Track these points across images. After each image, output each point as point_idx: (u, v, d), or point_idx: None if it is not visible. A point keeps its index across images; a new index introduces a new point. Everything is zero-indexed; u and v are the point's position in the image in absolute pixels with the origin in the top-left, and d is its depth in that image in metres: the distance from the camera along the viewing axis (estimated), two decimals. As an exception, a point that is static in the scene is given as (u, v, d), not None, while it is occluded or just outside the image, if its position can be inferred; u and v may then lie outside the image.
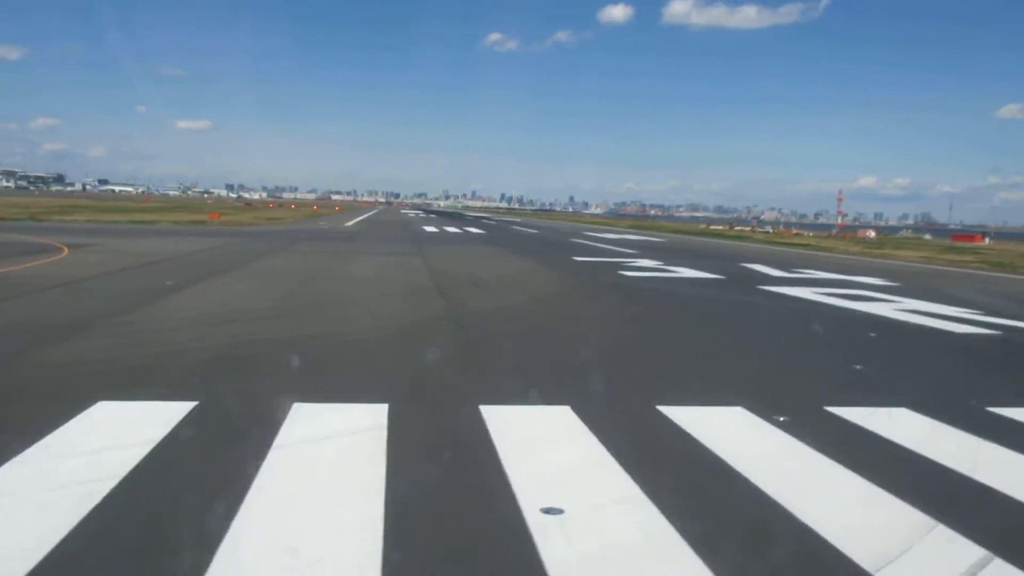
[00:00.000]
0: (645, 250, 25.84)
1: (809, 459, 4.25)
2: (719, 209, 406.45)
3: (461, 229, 39.02)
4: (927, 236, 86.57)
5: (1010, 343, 8.78)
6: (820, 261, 24.11)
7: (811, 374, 6.81)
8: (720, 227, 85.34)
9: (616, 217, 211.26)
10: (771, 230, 77.54)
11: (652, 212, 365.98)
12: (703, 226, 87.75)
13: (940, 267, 24.38)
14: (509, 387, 5.66)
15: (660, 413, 5.02)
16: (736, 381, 6.23)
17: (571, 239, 33.00)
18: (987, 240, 66.05)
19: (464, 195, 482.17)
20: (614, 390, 5.73)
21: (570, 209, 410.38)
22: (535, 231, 42.59)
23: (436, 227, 40.80)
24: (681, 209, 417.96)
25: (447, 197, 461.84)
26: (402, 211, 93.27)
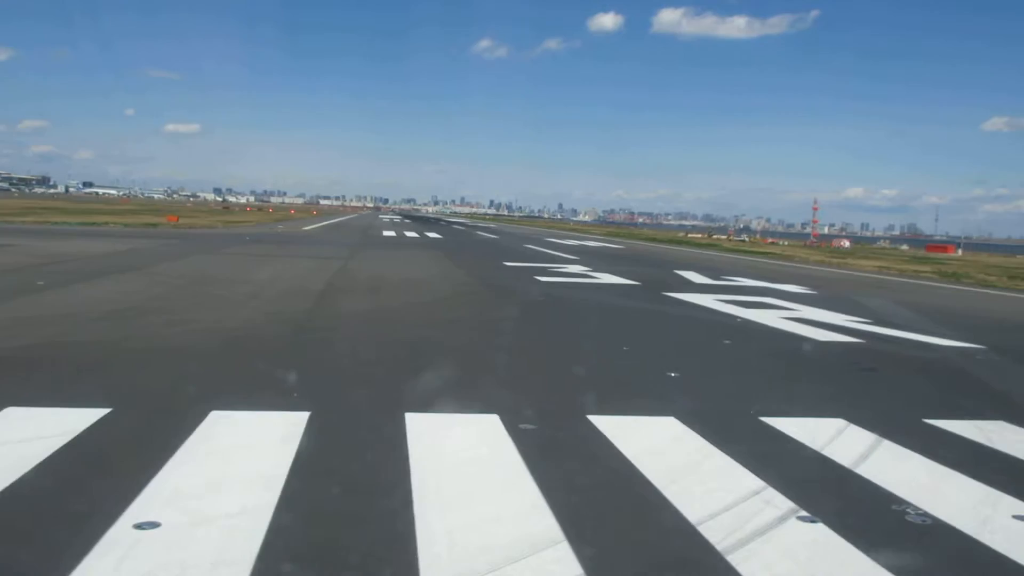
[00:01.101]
0: (588, 256, 25.64)
1: (504, 470, 4.01)
2: (707, 218, 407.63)
3: (421, 234, 38.77)
4: (904, 246, 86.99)
5: (857, 351, 8.56)
6: (761, 269, 23.95)
7: (613, 381, 6.57)
8: (699, 235, 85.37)
9: (604, 224, 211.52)
10: (747, 239, 77.71)
11: (640, 220, 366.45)
12: (682, 234, 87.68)
13: (886, 276, 24.28)
14: (263, 392, 5.41)
15: (401, 421, 4.78)
16: (520, 388, 5.98)
17: (525, 244, 32.78)
18: (959, 251, 66.44)
19: (453, 201, 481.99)
20: (380, 397, 5.48)
21: (559, 216, 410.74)
22: (496, 236, 42.38)
23: (397, 231, 40.55)
24: (670, 217, 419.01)
25: (436, 203, 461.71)
26: (380, 216, 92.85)
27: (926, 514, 3.66)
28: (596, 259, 24.18)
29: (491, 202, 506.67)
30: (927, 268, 31.27)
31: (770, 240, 76.35)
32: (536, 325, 9.93)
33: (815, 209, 75.86)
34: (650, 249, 36.10)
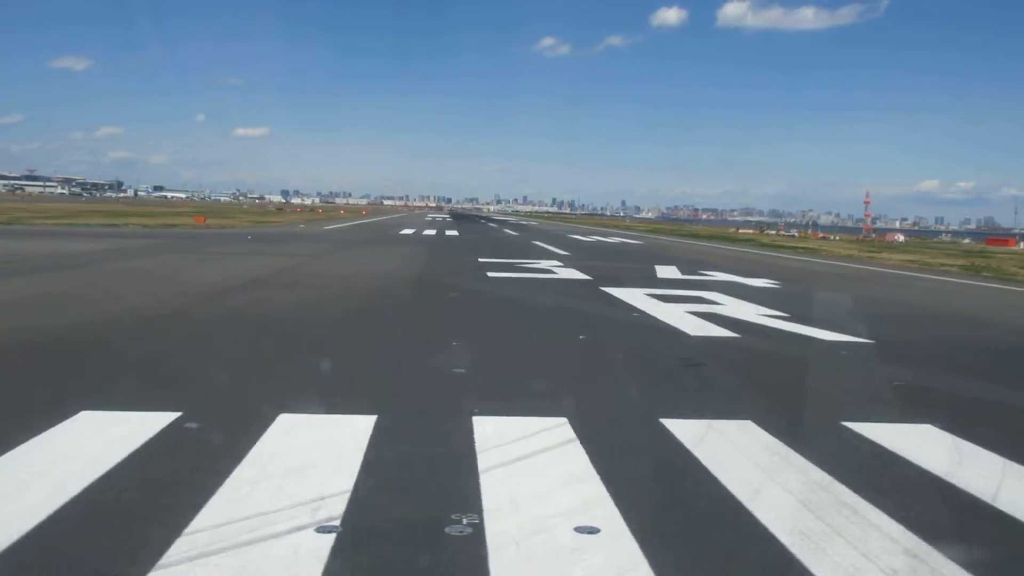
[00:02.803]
0: (580, 253, 25.23)
1: (86, 466, 3.78)
2: (774, 213, 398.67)
3: (440, 232, 38.73)
4: (966, 240, 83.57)
5: (715, 347, 8.02)
6: (756, 264, 23.14)
7: (375, 378, 6.22)
8: (750, 231, 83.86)
9: (664, 221, 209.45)
10: (796, 234, 75.71)
11: (704, 216, 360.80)
12: (733, 230, 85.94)
13: (894, 271, 23.28)
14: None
15: (76, 415, 4.61)
16: (240, 387, 5.72)
17: (533, 241, 32.33)
18: (1022, 244, 63.56)
19: (516, 199, 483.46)
20: (63, 392, 5.30)
21: (621, 213, 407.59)
22: (516, 234, 42.00)
23: (418, 229, 40.66)
24: (735, 213, 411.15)
25: (499, 202, 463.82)
26: (429, 215, 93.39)
27: (476, 526, 3.29)
28: (584, 256, 23.69)
29: (553, 200, 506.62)
30: (959, 262, 30.05)
31: (822, 235, 74.09)
32: (395, 322, 9.31)
33: (867, 203, 73.14)
34: (667, 245, 35.25)
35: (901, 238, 70.56)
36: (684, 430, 4.80)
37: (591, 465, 4.10)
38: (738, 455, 4.38)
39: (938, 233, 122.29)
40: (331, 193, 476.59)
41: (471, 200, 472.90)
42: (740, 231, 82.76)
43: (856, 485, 3.89)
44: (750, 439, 4.69)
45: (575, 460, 4.19)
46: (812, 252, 33.86)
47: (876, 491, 3.83)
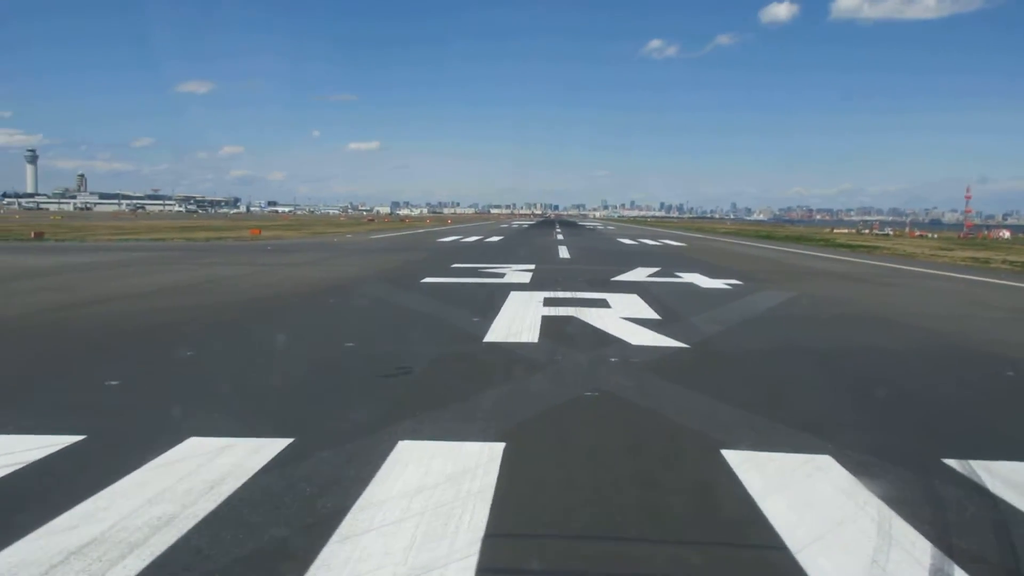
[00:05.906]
0: (581, 256, 24.42)
1: None
2: (895, 211, 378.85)
3: (481, 238, 38.52)
4: (1079, 234, 76.95)
5: (468, 354, 7.28)
6: (763, 263, 21.71)
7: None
8: (845, 231, 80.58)
9: (775, 223, 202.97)
10: (891, 232, 71.79)
11: (818, 217, 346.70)
12: (828, 231, 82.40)
13: (928, 269, 21.51)
14: None
15: None
16: None
17: (560, 246, 31.48)
18: None
19: (623, 204, 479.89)
20: None
21: (731, 216, 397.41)
22: (562, 238, 41.24)
23: (459, 236, 40.71)
24: (852, 213, 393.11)
25: (605, 207, 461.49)
26: (512, 223, 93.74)
27: None
28: (580, 260, 22.88)
29: (661, 204, 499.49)
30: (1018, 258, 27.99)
31: (919, 233, 69.89)
32: (187, 331, 8.58)
33: (967, 198, 68.22)
34: (705, 248, 33.56)
35: (1007, 235, 65.53)
36: (203, 448, 4.24)
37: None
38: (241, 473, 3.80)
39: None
40: (440, 204, 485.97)
41: (578, 206, 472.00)
42: (835, 231, 79.19)
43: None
44: (257, 456, 4.08)
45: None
46: (869, 252, 31.80)
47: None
